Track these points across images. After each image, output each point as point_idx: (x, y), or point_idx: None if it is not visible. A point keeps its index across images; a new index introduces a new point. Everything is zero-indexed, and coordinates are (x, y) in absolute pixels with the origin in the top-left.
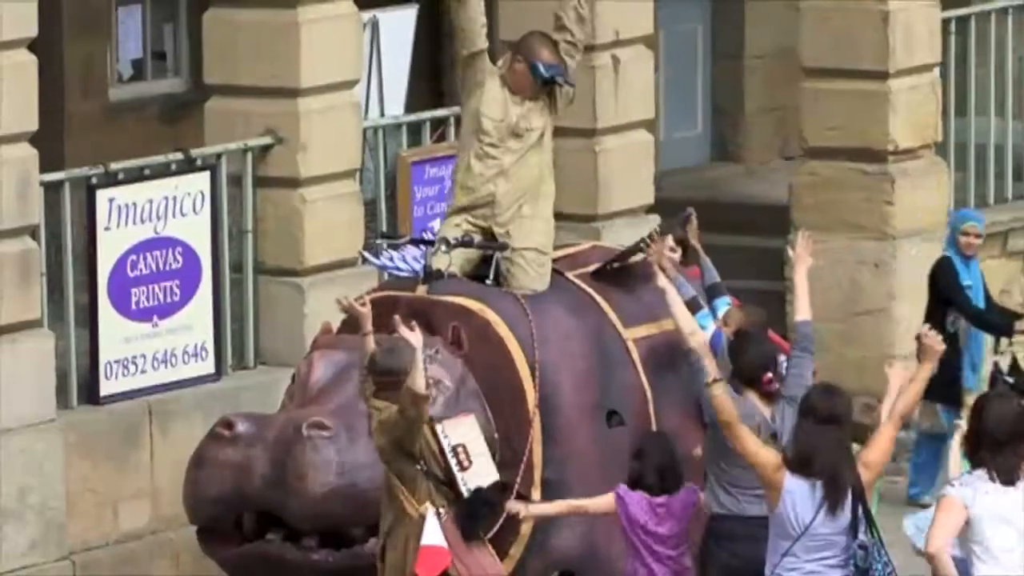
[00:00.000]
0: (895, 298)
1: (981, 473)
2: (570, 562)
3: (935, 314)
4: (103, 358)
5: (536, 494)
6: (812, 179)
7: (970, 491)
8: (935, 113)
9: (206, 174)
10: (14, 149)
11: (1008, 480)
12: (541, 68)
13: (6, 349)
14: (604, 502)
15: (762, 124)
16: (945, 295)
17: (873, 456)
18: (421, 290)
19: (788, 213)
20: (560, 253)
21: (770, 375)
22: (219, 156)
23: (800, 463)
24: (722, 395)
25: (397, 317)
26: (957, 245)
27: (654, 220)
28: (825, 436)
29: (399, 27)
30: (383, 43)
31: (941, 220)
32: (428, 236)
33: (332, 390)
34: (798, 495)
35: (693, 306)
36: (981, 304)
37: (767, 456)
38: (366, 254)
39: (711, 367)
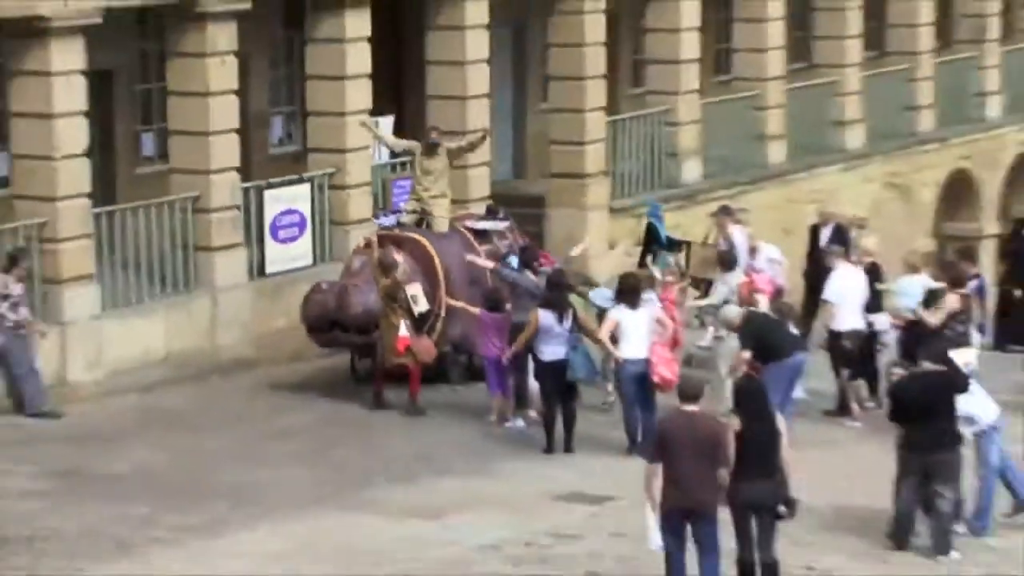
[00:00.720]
0: (587, 236)
1: (621, 303)
2: (455, 340)
3: (647, 251)
4: (267, 258)
5: (443, 311)
6: (555, 186)
7: (617, 311)
8: (605, 159)
9: (308, 184)
10: (229, 174)
11: (632, 307)
12: (428, 141)
13: (227, 256)
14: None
15: (535, 163)
16: (654, 240)
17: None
18: (396, 231)
19: (545, 201)
20: (453, 216)
21: (538, 265)
22: (313, 178)
23: (548, 304)
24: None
25: (391, 246)
26: (657, 217)
27: (489, 202)
28: (558, 290)
29: (386, 124)
30: (381, 129)
31: (605, 203)
32: (400, 209)
33: (361, 271)
34: (547, 317)
35: (508, 249)
36: (664, 239)
37: (532, 318)
38: (374, 218)
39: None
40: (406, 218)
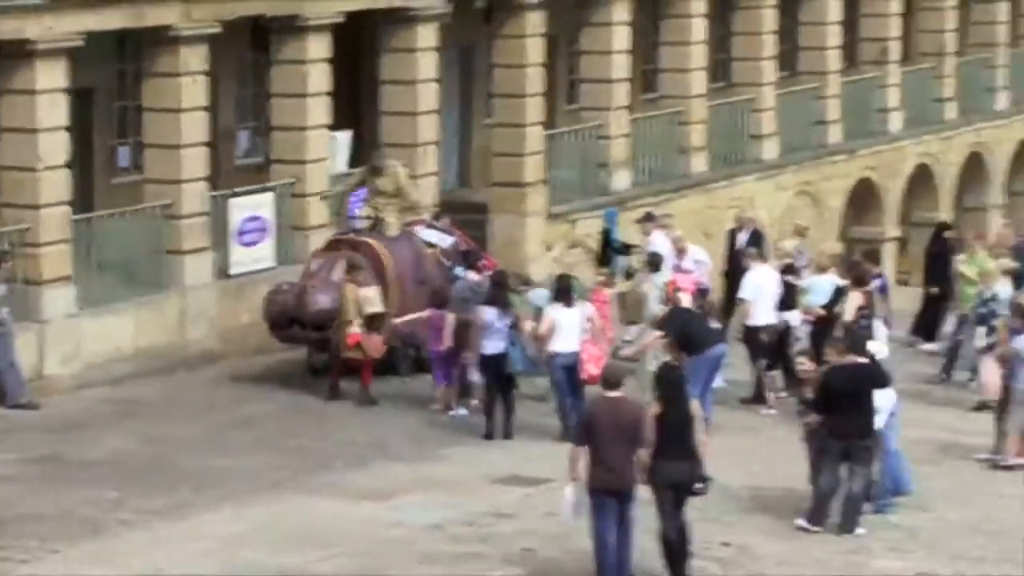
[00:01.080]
0: (526, 240)
1: (557, 302)
2: (404, 336)
3: (604, 254)
4: (232, 260)
5: (393, 310)
6: (497, 194)
7: (554, 309)
8: (542, 169)
9: (272, 193)
10: (198, 184)
11: (567, 305)
12: (372, 164)
13: (195, 259)
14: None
15: (480, 173)
16: (608, 245)
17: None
18: (352, 235)
19: (488, 207)
20: (404, 220)
21: (481, 264)
22: (276, 187)
23: (491, 302)
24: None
25: (359, 255)
26: (613, 222)
27: (436, 209)
28: (500, 289)
29: (343, 138)
30: (338, 144)
31: (543, 210)
32: (356, 216)
33: (319, 272)
34: (489, 314)
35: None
36: (617, 244)
37: (479, 314)
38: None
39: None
40: (361, 224)
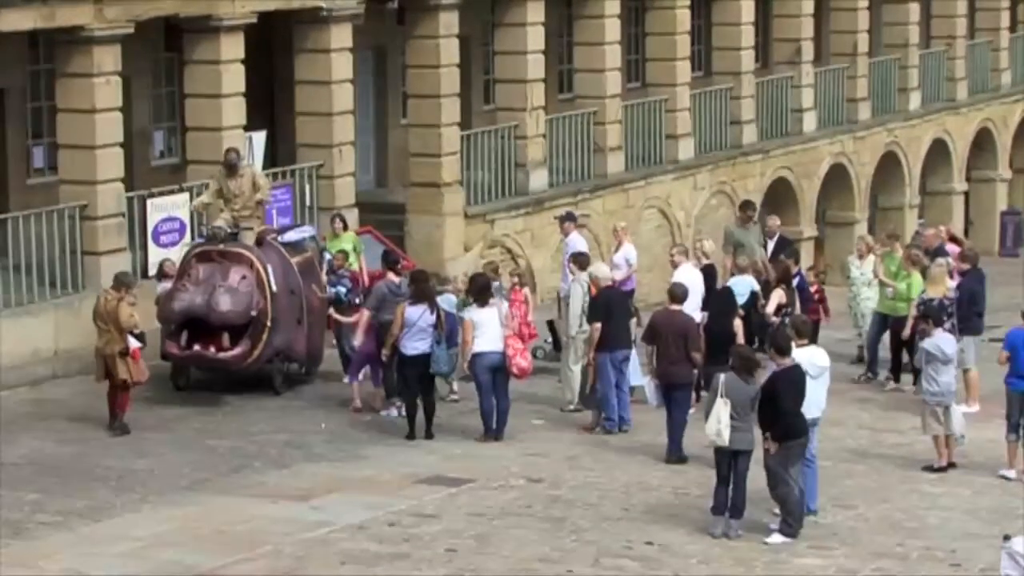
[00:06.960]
0: (444, 240)
1: (473, 304)
2: (281, 349)
3: None
4: (150, 261)
5: (268, 321)
6: (415, 194)
7: (468, 312)
8: (459, 170)
9: (187, 194)
10: (114, 185)
11: (483, 304)
12: (226, 160)
13: (112, 260)
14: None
15: (396, 174)
16: None
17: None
18: (221, 245)
19: (405, 208)
20: (261, 230)
21: (400, 266)
22: (192, 187)
23: (416, 298)
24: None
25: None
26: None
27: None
28: (424, 284)
29: (259, 138)
30: (254, 144)
31: (460, 210)
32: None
33: (209, 279)
34: (413, 312)
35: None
36: None
37: (398, 313)
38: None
39: None
40: (222, 232)
